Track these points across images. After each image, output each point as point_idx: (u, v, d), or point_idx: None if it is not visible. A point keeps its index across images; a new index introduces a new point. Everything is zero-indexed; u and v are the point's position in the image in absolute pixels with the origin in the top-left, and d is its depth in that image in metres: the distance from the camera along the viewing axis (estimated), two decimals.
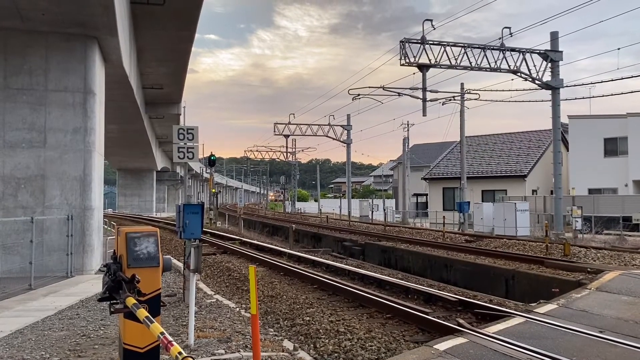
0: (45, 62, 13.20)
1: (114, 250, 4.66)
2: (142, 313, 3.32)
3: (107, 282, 4.09)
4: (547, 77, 22.64)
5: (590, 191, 33.82)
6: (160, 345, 3.43)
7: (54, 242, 12.84)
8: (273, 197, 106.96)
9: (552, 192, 27.58)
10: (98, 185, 14.27)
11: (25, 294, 10.35)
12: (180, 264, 12.58)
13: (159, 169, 57.23)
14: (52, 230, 12.87)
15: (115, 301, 4.02)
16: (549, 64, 22.63)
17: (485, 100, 33.38)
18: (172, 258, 14.31)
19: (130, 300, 3.64)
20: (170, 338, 2.83)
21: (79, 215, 13.18)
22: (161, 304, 4.60)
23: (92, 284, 11.37)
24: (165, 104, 30.82)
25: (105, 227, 20.56)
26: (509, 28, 22.11)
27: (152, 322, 3.13)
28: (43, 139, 13.09)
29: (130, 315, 3.81)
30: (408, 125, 46.69)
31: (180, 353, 2.62)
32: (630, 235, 23.18)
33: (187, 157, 11.12)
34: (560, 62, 22.71)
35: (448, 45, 21.58)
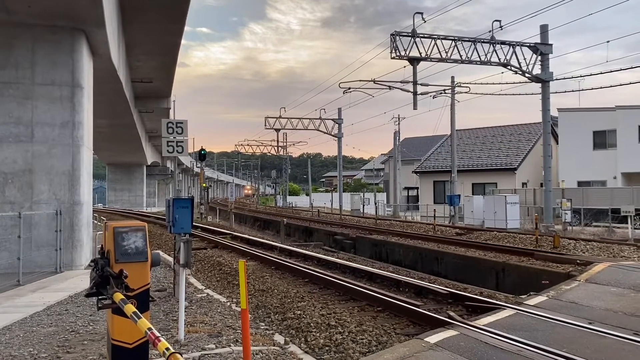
0: (32, 55, 13.02)
1: (102, 245, 4.61)
2: (130, 308, 3.28)
3: (95, 278, 4.04)
4: (537, 70, 22.71)
5: (580, 184, 34.07)
6: (149, 340, 3.39)
7: (43, 238, 12.72)
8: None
9: (541, 185, 27.74)
10: (87, 180, 14.15)
11: (14, 290, 10.25)
12: (171, 259, 12.52)
13: (149, 164, 56.88)
14: (40, 226, 12.75)
15: (103, 297, 3.97)
16: (539, 57, 22.69)
17: (476, 94, 33.40)
18: (161, 253, 14.23)
19: (118, 296, 3.60)
20: (157, 334, 2.79)
21: (68, 211, 13.07)
22: (150, 299, 4.55)
23: (82, 280, 11.28)
24: (155, 98, 30.57)
25: (95, 222, 20.40)
26: (499, 21, 22.14)
27: (139, 317, 3.09)
28: (30, 133, 12.93)
29: (119, 311, 3.77)
30: (399, 118, 46.75)
31: (167, 349, 2.58)
32: (618, 227, 23.39)
33: (177, 151, 11.02)
34: (550, 55, 22.78)
35: (438, 39, 21.56)
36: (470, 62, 21.80)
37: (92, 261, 4.30)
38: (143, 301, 4.32)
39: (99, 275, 4.01)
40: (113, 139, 38.11)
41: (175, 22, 18.44)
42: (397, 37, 21.08)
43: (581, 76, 23.02)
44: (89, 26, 13.20)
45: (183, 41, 20.91)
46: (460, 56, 21.74)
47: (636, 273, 10.43)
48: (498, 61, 22.11)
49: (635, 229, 21.72)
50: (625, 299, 8.36)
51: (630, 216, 20.17)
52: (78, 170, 13.29)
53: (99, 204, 61.72)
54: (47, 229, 12.71)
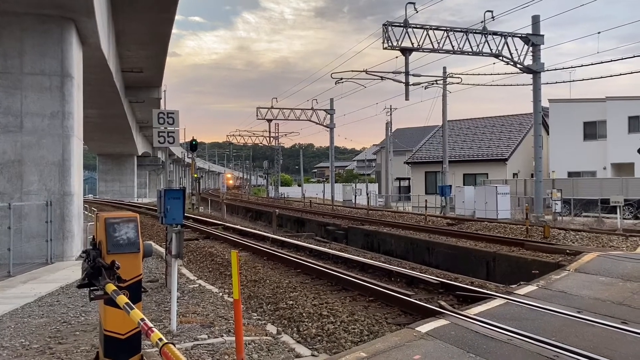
0: (21, 44, 12.86)
1: (93, 236, 4.59)
2: (122, 299, 3.28)
3: (87, 269, 4.03)
4: (528, 61, 22.77)
5: (570, 174, 34.33)
6: (141, 331, 3.40)
7: (33, 229, 12.65)
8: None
9: (532, 176, 27.92)
10: (77, 170, 14.06)
11: (4, 281, 10.20)
12: (163, 250, 12.50)
13: (140, 154, 56.57)
14: (30, 217, 12.67)
15: (95, 288, 3.97)
16: (530, 48, 22.74)
17: (468, 84, 33.60)
18: (153, 244, 14.18)
19: (110, 287, 3.60)
20: (150, 324, 2.80)
21: (58, 201, 12.99)
22: (142, 289, 4.55)
23: (73, 271, 11.25)
24: (146, 87, 30.36)
25: (86, 213, 20.31)
26: (491, 12, 22.16)
27: (132, 308, 3.09)
28: (19, 123, 12.81)
29: (111, 302, 3.77)
30: (391, 109, 46.77)
31: (160, 339, 2.59)
32: (607, 218, 23.61)
33: (168, 141, 10.96)
34: (542, 46, 22.84)
35: (431, 29, 21.53)
36: (462, 52, 21.81)
37: (83, 252, 4.29)
38: (135, 292, 4.33)
39: (90, 266, 4.01)
40: (103, 129, 37.85)
41: (166, 11, 18.27)
42: (389, 27, 21.04)
43: (572, 67, 23.14)
44: (79, 15, 13.05)
45: (175, 30, 20.78)
46: (452, 47, 21.73)
47: (624, 263, 10.56)
48: (490, 52, 22.14)
49: (624, 219, 21.95)
50: (613, 288, 8.46)
51: (620, 206, 20.36)
52: (68, 160, 13.20)
53: (90, 195, 61.36)
54: (38, 220, 12.63)
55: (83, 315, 7.39)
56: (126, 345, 4.33)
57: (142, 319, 2.89)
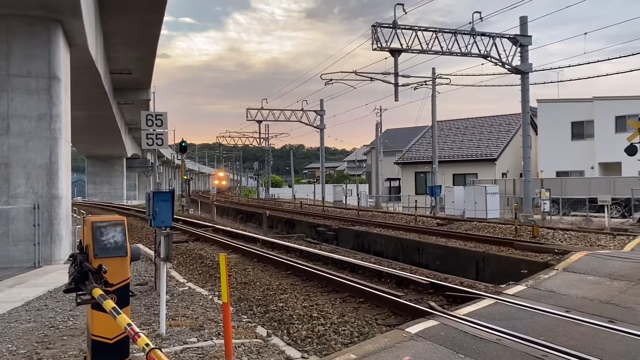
0: (7, 46, 12.74)
1: (80, 240, 4.55)
2: (109, 304, 3.25)
3: (73, 273, 3.99)
4: (516, 62, 22.92)
5: (558, 174, 34.58)
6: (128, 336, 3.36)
7: (20, 232, 12.52)
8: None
9: (521, 175, 28.11)
10: (65, 173, 13.94)
11: None
12: (152, 252, 12.43)
13: (129, 156, 56.21)
14: (17, 220, 12.54)
15: (82, 292, 3.93)
16: (519, 49, 22.90)
17: (457, 85, 33.79)
18: (141, 246, 14.09)
19: (97, 291, 3.56)
20: (137, 329, 2.78)
21: (46, 204, 12.87)
22: (131, 293, 4.51)
23: (61, 274, 11.14)
24: (135, 89, 30.20)
25: (75, 215, 20.15)
26: (479, 12, 22.28)
27: (119, 313, 3.06)
28: (6, 126, 12.68)
29: (98, 306, 3.73)
30: (381, 110, 46.88)
31: (147, 344, 2.57)
32: (595, 217, 23.81)
33: (157, 143, 10.91)
34: (530, 47, 23.00)
35: (419, 30, 21.61)
36: (451, 53, 21.91)
37: (70, 256, 4.25)
38: (123, 296, 4.28)
39: (77, 270, 3.97)
40: (92, 131, 37.58)
41: (154, 12, 18.19)
42: (379, 29, 21.08)
43: (560, 67, 23.30)
44: (65, 16, 12.95)
45: (165, 31, 20.94)
46: (441, 47, 21.82)
47: (612, 261, 10.65)
48: (478, 53, 22.26)
49: (611, 218, 22.15)
50: (601, 287, 8.53)
51: (607, 205, 20.55)
52: (56, 163, 13.09)
53: (79, 197, 60.92)
54: (25, 223, 12.51)
55: (71, 319, 7.32)
56: (114, 350, 4.29)
57: (129, 324, 2.86)
